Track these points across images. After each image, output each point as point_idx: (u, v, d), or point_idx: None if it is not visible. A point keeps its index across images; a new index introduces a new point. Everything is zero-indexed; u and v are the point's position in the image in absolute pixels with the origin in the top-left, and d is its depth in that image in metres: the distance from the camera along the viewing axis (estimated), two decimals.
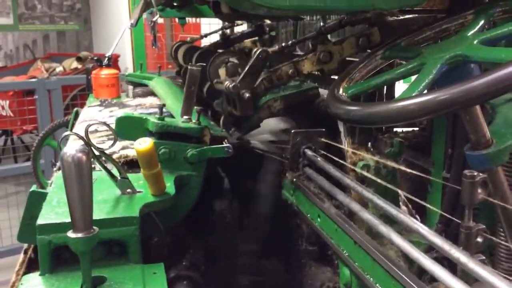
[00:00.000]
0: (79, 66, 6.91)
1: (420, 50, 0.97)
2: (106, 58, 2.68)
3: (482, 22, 0.95)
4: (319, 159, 1.30)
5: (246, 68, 1.36)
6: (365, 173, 1.25)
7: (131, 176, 1.24)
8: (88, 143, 1.06)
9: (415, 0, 0.97)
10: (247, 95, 1.37)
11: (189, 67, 1.39)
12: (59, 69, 6.82)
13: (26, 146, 6.42)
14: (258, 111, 1.52)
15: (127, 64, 6.93)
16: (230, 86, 1.32)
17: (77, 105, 5.77)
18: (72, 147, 0.93)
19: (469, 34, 0.90)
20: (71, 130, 2.48)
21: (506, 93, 0.68)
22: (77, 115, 2.54)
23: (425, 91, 0.78)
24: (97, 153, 1.14)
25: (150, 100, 2.44)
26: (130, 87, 2.83)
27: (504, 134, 0.94)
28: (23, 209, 1.25)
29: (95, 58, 2.67)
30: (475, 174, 0.81)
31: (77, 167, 0.92)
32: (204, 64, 1.45)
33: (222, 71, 1.50)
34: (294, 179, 1.39)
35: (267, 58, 1.37)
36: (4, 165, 6.19)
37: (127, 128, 1.35)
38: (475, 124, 0.90)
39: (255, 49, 1.39)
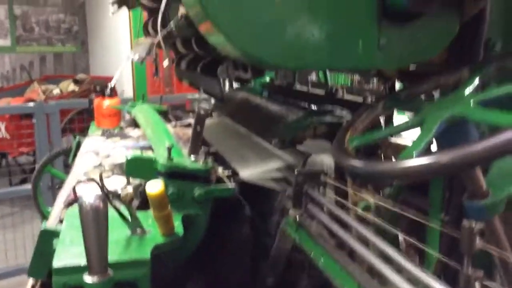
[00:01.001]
0: (76, 89, 6.98)
1: (420, 104, 1.03)
2: (108, 88, 2.74)
3: (477, 80, 1.02)
4: (322, 198, 1.35)
5: None
6: (365, 214, 1.30)
7: (140, 214, 1.28)
8: (103, 189, 1.10)
9: (419, 57, 1.04)
10: None
11: (196, 109, 1.44)
12: (56, 91, 6.87)
13: (22, 167, 6.43)
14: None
15: (124, 86, 6.99)
16: None
17: (74, 128, 5.83)
18: (89, 196, 0.97)
19: (466, 93, 0.97)
20: (73, 160, 2.52)
21: (504, 157, 0.74)
22: (79, 144, 2.57)
23: (428, 151, 0.84)
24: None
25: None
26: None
27: (500, 185, 1.00)
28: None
29: (98, 89, 2.73)
30: (474, 224, 0.86)
31: (95, 214, 0.97)
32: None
33: None
34: (297, 217, 1.43)
35: None
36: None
37: (137, 168, 1.40)
38: (472, 176, 0.95)
39: None
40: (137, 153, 1.44)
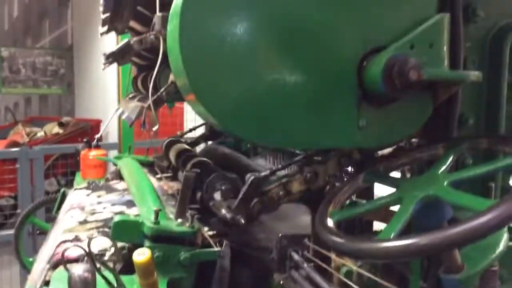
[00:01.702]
0: (61, 131, 6.98)
1: (397, 181, 1.09)
2: (95, 139, 2.78)
3: (451, 158, 1.08)
4: (305, 264, 1.38)
5: (240, 196, 1.43)
6: (346, 280, 1.33)
7: (125, 278, 1.30)
8: (91, 257, 1.12)
9: (396, 137, 1.11)
10: (242, 220, 1.45)
11: (184, 172, 1.48)
12: (40, 134, 6.86)
13: (2, 212, 6.32)
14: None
15: (108, 128, 7.02)
16: (228, 216, 1.40)
17: (56, 173, 5.82)
18: (79, 268, 1.00)
19: (440, 172, 1.03)
20: (57, 212, 2.52)
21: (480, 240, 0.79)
22: (63, 196, 2.58)
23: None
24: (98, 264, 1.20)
25: None
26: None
27: (474, 258, 1.05)
28: None
29: (85, 140, 2.76)
30: None
31: (83, 286, 0.99)
32: (199, 171, 1.55)
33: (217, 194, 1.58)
34: (281, 282, 1.46)
35: (259, 184, 1.45)
36: None
37: (123, 231, 1.42)
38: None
39: (248, 176, 1.46)
40: (123, 215, 1.47)
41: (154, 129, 1.43)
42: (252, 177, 1.30)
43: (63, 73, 8.95)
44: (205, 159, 1.90)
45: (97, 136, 2.78)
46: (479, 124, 1.36)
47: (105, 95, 7.00)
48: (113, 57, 2.13)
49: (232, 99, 1.02)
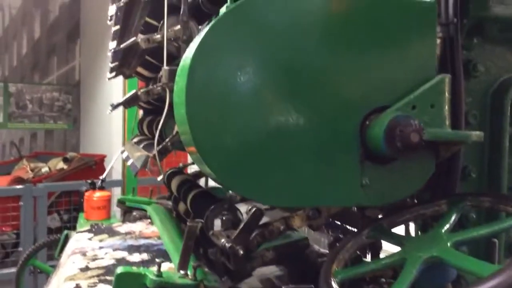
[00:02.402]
0: (65, 167, 7.00)
1: (402, 239, 1.09)
2: (100, 181, 2.79)
3: (454, 216, 1.08)
4: None
5: (241, 227, 1.45)
6: None
7: None
8: None
9: (399, 195, 1.11)
10: (241, 252, 1.45)
11: (188, 223, 1.49)
12: (45, 169, 6.87)
13: (2, 245, 6.28)
14: (251, 260, 1.60)
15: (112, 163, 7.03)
16: (227, 245, 1.41)
17: (59, 209, 5.80)
18: None
19: (443, 231, 1.03)
20: (59, 254, 2.51)
21: None
22: (67, 238, 2.57)
23: None
24: None
25: (139, 227, 2.50)
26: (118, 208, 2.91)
27: None
28: None
29: (89, 181, 2.77)
30: None
31: None
32: (203, 221, 1.55)
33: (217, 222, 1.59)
34: None
35: (261, 216, 1.47)
36: None
37: (126, 283, 1.41)
38: None
39: (250, 207, 1.49)
40: (126, 266, 1.46)
41: (158, 179, 1.44)
42: (255, 209, 1.31)
43: (69, 109, 9.06)
44: (206, 189, 1.90)
45: (101, 177, 2.79)
46: (482, 177, 1.37)
47: (111, 130, 7.05)
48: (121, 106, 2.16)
49: (234, 157, 1.03)
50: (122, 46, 1.78)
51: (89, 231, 2.50)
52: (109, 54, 2.19)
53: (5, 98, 8.63)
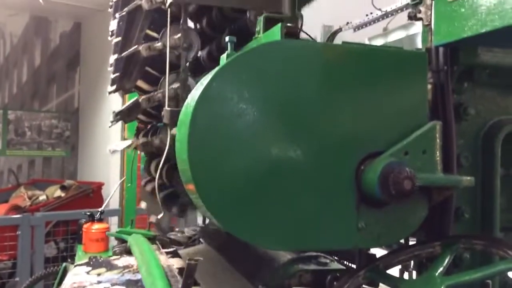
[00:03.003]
0: (63, 195, 6.99)
1: (396, 282, 1.12)
2: (99, 213, 2.81)
3: (448, 259, 1.11)
4: None
5: None
6: None
7: None
8: None
9: (394, 238, 1.15)
10: None
11: (187, 261, 1.51)
12: (42, 197, 6.86)
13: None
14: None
15: (110, 192, 7.04)
16: None
17: (56, 237, 5.77)
18: None
19: (437, 274, 1.06)
20: (58, 287, 2.50)
21: None
22: (65, 271, 2.58)
23: None
24: None
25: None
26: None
27: None
28: None
29: (88, 213, 2.79)
30: None
31: None
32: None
33: None
34: None
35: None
36: None
37: None
38: None
39: None
40: None
41: (159, 216, 1.47)
42: None
43: (68, 136, 9.09)
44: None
45: (100, 209, 2.81)
46: (476, 217, 1.40)
47: (109, 158, 7.08)
48: (121, 115, 2.20)
49: (233, 200, 1.07)
50: (124, 54, 1.84)
51: (87, 264, 2.50)
52: (110, 69, 2.27)
53: (4, 125, 8.67)
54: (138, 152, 2.92)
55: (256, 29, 1.52)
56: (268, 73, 1.10)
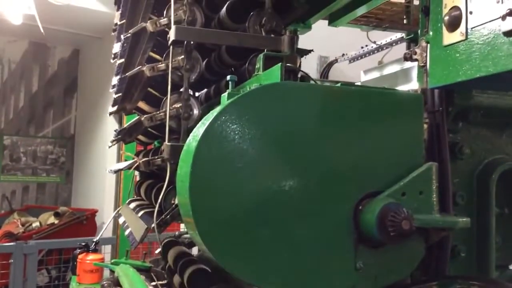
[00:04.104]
0: (56, 221, 6.93)
1: None
2: (93, 243, 2.79)
3: None
4: None
5: None
6: None
7: None
8: None
9: (392, 278, 1.16)
10: None
11: None
12: (36, 224, 6.79)
13: None
14: None
15: (103, 218, 6.98)
16: None
17: (49, 265, 5.68)
18: None
19: None
20: None
21: None
22: None
23: None
24: None
25: None
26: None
27: None
28: None
29: (83, 243, 2.78)
30: None
31: None
32: None
33: None
34: None
35: None
36: None
37: None
38: None
39: None
40: None
41: (156, 252, 1.47)
42: None
43: (63, 162, 9.06)
44: (204, 267, 1.92)
45: (95, 239, 2.80)
46: (471, 255, 1.41)
47: (104, 184, 7.05)
48: (122, 134, 2.21)
49: (232, 239, 1.08)
50: (128, 74, 1.87)
51: None
52: (111, 90, 2.30)
53: None
54: (135, 179, 2.92)
55: (256, 66, 1.56)
56: (269, 114, 1.12)
